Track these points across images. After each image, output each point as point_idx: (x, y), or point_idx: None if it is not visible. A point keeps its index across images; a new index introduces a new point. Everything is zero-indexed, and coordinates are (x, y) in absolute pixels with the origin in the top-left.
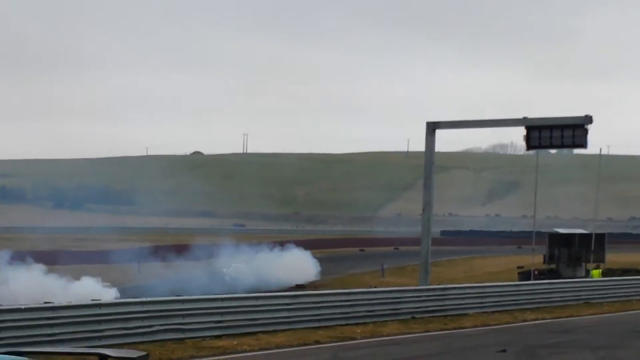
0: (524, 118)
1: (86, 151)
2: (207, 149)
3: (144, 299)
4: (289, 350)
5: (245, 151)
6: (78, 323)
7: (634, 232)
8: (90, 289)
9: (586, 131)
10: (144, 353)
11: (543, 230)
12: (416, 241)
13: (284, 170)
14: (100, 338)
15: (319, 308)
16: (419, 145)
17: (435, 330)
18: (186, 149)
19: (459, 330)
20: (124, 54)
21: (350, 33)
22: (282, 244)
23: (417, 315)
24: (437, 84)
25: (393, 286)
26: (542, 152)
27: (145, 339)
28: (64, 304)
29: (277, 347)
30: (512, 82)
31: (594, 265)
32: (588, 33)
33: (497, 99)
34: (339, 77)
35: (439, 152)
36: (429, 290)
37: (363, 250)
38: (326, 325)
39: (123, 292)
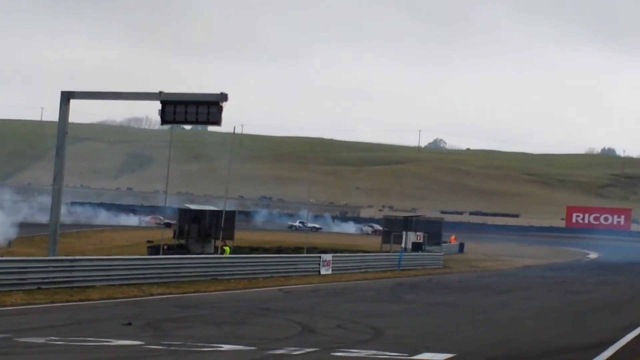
0: (160, 92)
1: None
2: None
3: None
4: None
5: None
6: None
7: (262, 210)
8: None
9: (221, 109)
10: None
11: (174, 205)
12: (46, 211)
13: None
14: None
15: None
16: (54, 115)
17: (61, 302)
18: None
19: (86, 302)
20: None
21: None
22: None
23: (44, 286)
24: (71, 54)
25: (20, 256)
26: (177, 128)
27: None
28: None
29: None
30: (148, 57)
31: (222, 242)
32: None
33: (134, 73)
34: None
35: (73, 123)
36: (56, 261)
37: None
38: None
39: None
